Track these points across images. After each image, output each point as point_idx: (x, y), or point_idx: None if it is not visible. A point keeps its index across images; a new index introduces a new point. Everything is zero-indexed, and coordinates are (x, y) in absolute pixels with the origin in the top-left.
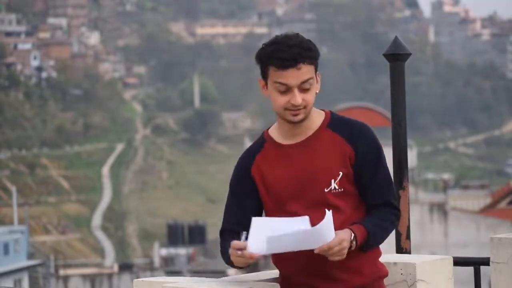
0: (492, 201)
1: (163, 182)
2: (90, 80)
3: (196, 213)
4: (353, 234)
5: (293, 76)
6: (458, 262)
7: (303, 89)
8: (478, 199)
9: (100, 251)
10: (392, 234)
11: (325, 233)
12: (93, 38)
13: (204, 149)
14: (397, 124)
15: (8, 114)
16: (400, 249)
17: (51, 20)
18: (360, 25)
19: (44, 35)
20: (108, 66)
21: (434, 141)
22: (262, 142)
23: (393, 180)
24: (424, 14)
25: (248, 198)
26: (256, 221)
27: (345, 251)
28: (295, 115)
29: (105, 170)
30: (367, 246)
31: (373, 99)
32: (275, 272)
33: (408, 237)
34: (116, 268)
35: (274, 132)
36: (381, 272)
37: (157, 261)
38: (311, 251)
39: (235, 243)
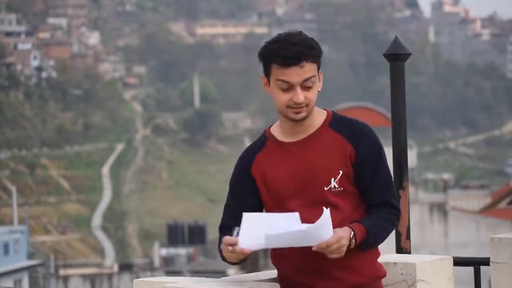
0: (492, 201)
1: (163, 182)
2: (90, 80)
3: (196, 213)
4: (352, 232)
5: (295, 74)
6: (458, 262)
7: (305, 87)
8: (478, 199)
9: (100, 251)
10: (392, 234)
11: (322, 231)
12: (93, 38)
13: (204, 149)
14: (397, 124)
15: (8, 114)
16: (400, 249)
17: (51, 20)
18: (360, 25)
19: (44, 35)
20: (108, 66)
21: (434, 141)
22: (264, 140)
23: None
24: (424, 14)
25: (248, 197)
26: (247, 217)
27: (344, 249)
28: (297, 113)
29: (105, 170)
30: (366, 245)
31: (373, 99)
32: (275, 272)
33: (408, 237)
34: (116, 268)
35: (276, 130)
36: (379, 273)
37: (157, 261)
38: (309, 250)
39: (226, 238)
